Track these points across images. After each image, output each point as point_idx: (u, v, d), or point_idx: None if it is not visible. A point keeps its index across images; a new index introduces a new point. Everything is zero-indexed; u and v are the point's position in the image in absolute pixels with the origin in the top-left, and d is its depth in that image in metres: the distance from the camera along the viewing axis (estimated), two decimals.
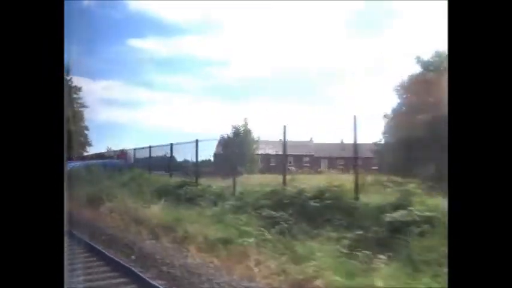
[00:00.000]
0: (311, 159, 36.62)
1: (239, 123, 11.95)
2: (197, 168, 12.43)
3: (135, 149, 18.48)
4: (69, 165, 14.09)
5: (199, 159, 13.71)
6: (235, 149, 11.39)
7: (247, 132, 11.85)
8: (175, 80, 55.91)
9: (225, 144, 12.27)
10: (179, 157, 14.56)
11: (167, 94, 57.58)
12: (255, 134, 12.71)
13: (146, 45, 54.82)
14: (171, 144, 14.21)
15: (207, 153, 13.27)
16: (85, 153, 32.31)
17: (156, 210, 9.29)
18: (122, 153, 20.97)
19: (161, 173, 14.41)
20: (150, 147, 16.16)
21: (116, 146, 24.70)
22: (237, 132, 11.72)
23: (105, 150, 27.10)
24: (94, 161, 20.79)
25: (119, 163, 19.07)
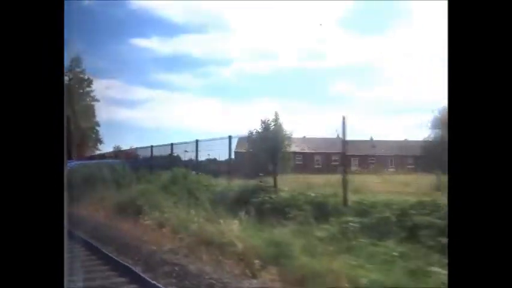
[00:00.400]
0: (340, 157, 33.58)
1: (269, 117, 10.90)
2: (275, 167, 9.72)
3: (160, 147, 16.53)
4: (69, 165, 13.67)
5: (201, 158, 13.05)
6: (266, 146, 10.49)
7: (279, 127, 10.88)
8: (178, 79, 55.72)
9: (253, 140, 11.31)
10: (185, 156, 13.80)
11: (169, 93, 57.41)
12: (288, 129, 11.46)
13: (150, 44, 54.61)
14: (230, 137, 11.85)
15: (216, 152, 12.51)
16: (97, 152, 31.72)
17: (234, 228, 6.40)
18: (132, 153, 19.66)
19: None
20: (197, 141, 13.31)
21: (116, 145, 24.39)
22: (266, 128, 10.77)
23: (112, 149, 26.59)
24: (105, 161, 19.81)
25: (131, 162, 17.71)
